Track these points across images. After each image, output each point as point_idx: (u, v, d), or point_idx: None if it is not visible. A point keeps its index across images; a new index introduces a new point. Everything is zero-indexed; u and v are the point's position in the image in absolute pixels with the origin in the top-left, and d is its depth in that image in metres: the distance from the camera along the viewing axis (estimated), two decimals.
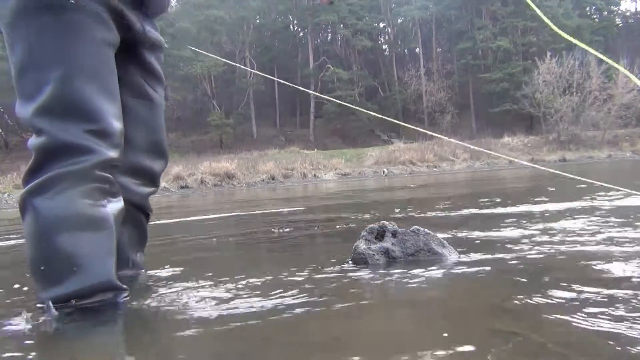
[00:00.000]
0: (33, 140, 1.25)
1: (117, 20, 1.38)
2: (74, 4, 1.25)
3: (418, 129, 1.89)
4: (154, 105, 1.61)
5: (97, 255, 1.23)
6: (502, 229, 2.20)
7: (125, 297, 1.27)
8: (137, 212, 1.63)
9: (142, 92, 1.58)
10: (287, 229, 2.84)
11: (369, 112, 1.99)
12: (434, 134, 1.77)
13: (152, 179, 1.65)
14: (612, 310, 0.97)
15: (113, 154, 1.29)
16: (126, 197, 1.42)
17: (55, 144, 1.22)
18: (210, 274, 1.61)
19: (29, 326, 1.10)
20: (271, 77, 1.11)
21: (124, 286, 1.27)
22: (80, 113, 1.24)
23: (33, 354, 0.96)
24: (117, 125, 1.31)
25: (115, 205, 1.30)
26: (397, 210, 3.76)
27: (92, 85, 1.27)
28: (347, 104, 1.93)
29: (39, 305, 1.23)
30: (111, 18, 1.35)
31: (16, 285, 1.60)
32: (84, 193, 1.23)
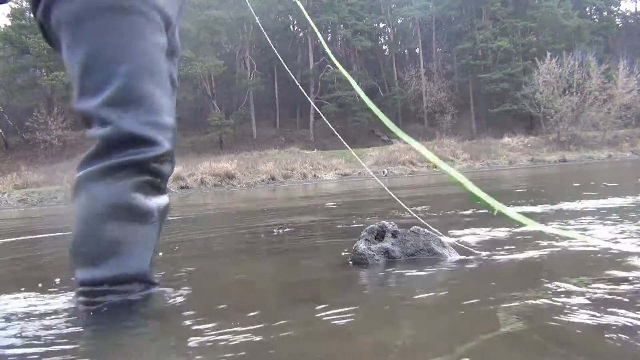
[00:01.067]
0: (97, 130, 1.29)
1: (165, 29, 1.43)
2: (136, 8, 1.31)
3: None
4: None
5: (139, 246, 1.28)
6: (502, 229, 2.20)
7: (155, 292, 1.30)
8: None
9: None
10: (288, 229, 2.85)
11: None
12: None
13: None
14: (614, 310, 0.97)
15: (170, 147, 1.35)
16: None
17: (119, 134, 1.27)
18: (208, 277, 1.61)
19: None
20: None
21: (157, 281, 1.33)
22: (145, 106, 1.31)
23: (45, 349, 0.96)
24: (172, 121, 1.38)
25: (161, 201, 1.35)
26: (394, 213, 3.76)
27: (154, 83, 1.33)
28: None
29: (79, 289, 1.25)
30: (163, 26, 1.40)
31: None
32: (138, 185, 1.28)
